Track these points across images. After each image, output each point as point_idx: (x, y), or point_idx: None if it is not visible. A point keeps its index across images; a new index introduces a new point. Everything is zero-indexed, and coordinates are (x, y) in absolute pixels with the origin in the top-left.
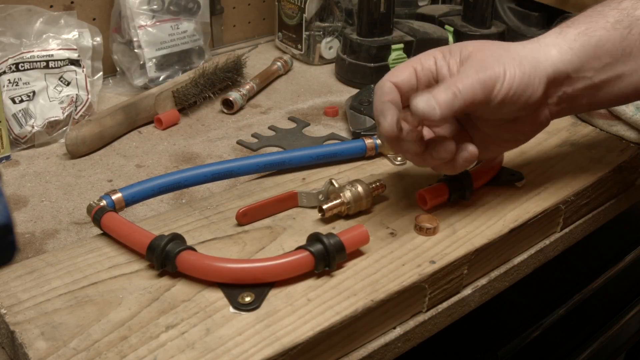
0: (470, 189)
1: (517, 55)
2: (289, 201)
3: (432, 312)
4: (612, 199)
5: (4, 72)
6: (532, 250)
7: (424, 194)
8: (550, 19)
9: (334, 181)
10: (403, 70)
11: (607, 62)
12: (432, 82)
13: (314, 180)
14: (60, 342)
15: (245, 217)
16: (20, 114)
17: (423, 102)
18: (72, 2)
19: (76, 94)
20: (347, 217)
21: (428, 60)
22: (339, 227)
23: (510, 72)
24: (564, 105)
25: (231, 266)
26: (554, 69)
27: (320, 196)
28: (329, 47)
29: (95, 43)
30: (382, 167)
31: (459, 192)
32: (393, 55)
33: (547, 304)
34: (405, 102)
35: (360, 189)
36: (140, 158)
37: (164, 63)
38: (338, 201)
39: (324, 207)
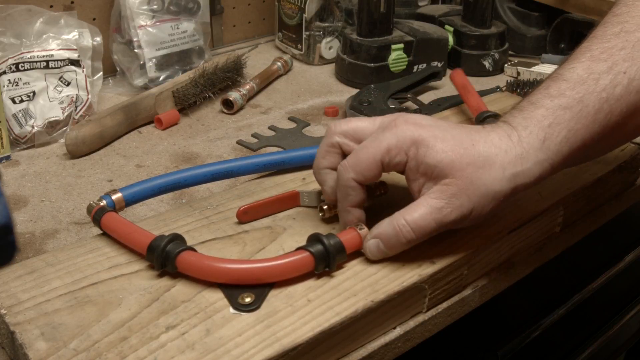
0: None
1: (492, 190)
2: (290, 200)
3: (432, 312)
4: (612, 199)
5: (4, 72)
6: (532, 250)
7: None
8: (550, 19)
9: None
10: (370, 167)
11: (585, 154)
12: (399, 171)
13: (314, 180)
14: (60, 342)
15: (246, 215)
16: (20, 114)
17: (374, 251)
18: (72, 2)
19: (76, 94)
20: None
21: (398, 156)
22: (339, 228)
23: (476, 210)
24: None
25: (231, 267)
26: (530, 185)
27: (322, 196)
28: (329, 47)
29: (95, 43)
30: None
31: None
32: (393, 55)
33: (547, 304)
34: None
35: None
36: (140, 158)
37: (164, 63)
38: None
39: (325, 207)
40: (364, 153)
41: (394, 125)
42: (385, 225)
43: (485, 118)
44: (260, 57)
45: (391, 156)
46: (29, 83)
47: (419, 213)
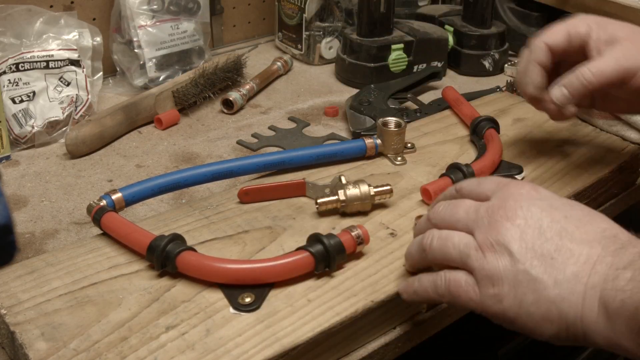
0: None
1: None
2: (296, 189)
3: (432, 312)
4: (612, 199)
5: (4, 72)
6: None
7: (427, 188)
8: (550, 19)
9: (342, 177)
10: (557, 33)
11: None
12: (582, 47)
13: (314, 180)
14: (60, 342)
15: (247, 196)
16: (20, 114)
17: (558, 95)
18: (72, 2)
19: (76, 94)
20: (348, 215)
21: (582, 27)
22: (339, 228)
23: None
24: None
25: (231, 267)
26: None
27: (326, 190)
28: (329, 47)
29: (95, 43)
30: (382, 167)
31: None
32: (393, 55)
33: None
34: (554, 62)
35: (360, 190)
36: (140, 158)
37: (164, 63)
38: (334, 198)
39: (319, 200)
40: (556, 26)
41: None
42: (570, 75)
43: (479, 122)
44: (260, 57)
45: (577, 28)
46: (29, 83)
47: (603, 60)
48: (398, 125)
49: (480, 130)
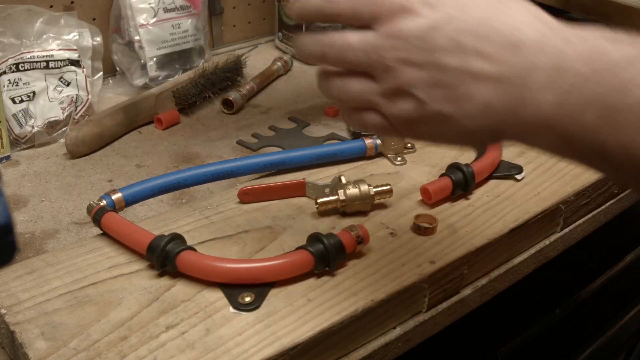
0: (473, 182)
1: None
2: (295, 189)
3: (432, 312)
4: (612, 199)
5: (4, 72)
6: (532, 250)
7: (427, 188)
8: None
9: (342, 177)
10: None
11: None
12: None
13: (314, 180)
14: (60, 342)
15: (247, 196)
16: (20, 114)
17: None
18: (72, 2)
19: (76, 94)
20: (348, 215)
21: None
22: (339, 228)
23: None
24: None
25: (231, 266)
26: None
27: (326, 190)
28: None
29: (95, 43)
30: (382, 167)
31: (462, 186)
32: None
33: (547, 304)
34: None
35: (360, 190)
36: (140, 158)
37: (164, 62)
38: (334, 198)
39: (319, 200)
40: None
41: None
42: None
43: None
44: (260, 57)
45: None
46: (29, 83)
47: None
48: None
49: None
